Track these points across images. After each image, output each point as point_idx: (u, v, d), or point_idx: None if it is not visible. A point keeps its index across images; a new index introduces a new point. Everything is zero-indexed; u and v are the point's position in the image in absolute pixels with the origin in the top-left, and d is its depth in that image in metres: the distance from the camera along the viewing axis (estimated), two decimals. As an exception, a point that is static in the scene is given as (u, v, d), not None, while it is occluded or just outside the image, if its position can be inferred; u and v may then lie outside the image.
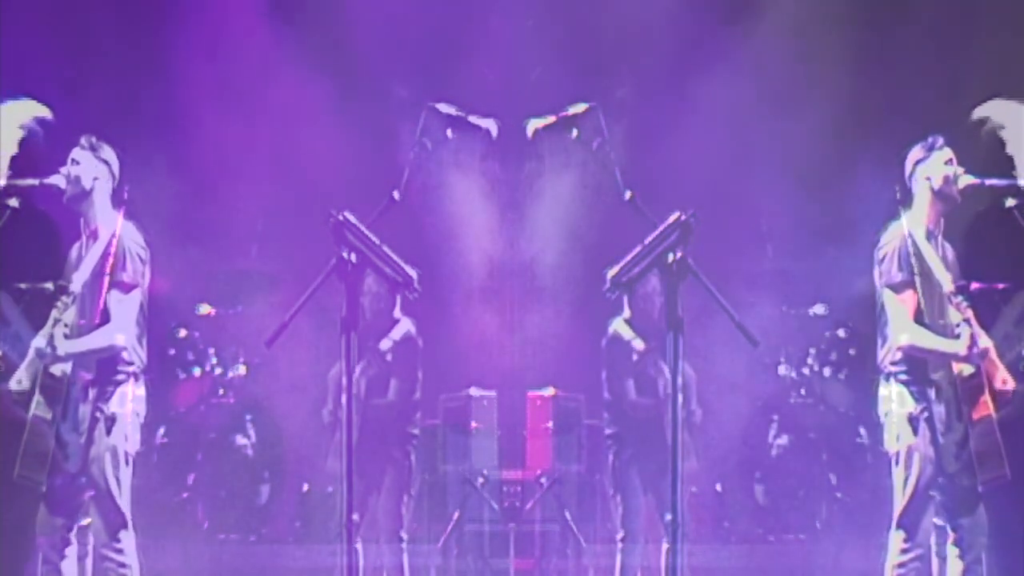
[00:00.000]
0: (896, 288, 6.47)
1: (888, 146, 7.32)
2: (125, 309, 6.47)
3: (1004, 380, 6.38)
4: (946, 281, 6.34)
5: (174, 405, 9.36)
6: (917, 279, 6.41)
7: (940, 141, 6.69)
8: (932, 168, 6.63)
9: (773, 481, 9.68)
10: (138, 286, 6.51)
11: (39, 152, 6.78)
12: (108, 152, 6.71)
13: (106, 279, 6.40)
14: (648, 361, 7.94)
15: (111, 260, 6.40)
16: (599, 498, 9.08)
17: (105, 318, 6.42)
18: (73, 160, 6.61)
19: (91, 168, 6.62)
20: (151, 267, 6.64)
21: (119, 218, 6.54)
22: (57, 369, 6.32)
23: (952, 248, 6.69)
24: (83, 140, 6.69)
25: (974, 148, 6.74)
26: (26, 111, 6.72)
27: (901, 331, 6.42)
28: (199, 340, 9.58)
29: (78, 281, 6.37)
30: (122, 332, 6.44)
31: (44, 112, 6.74)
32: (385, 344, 8.01)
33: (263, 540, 9.50)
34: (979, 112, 6.76)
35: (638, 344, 8.00)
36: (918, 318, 6.41)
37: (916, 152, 6.73)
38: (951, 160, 6.63)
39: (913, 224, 6.52)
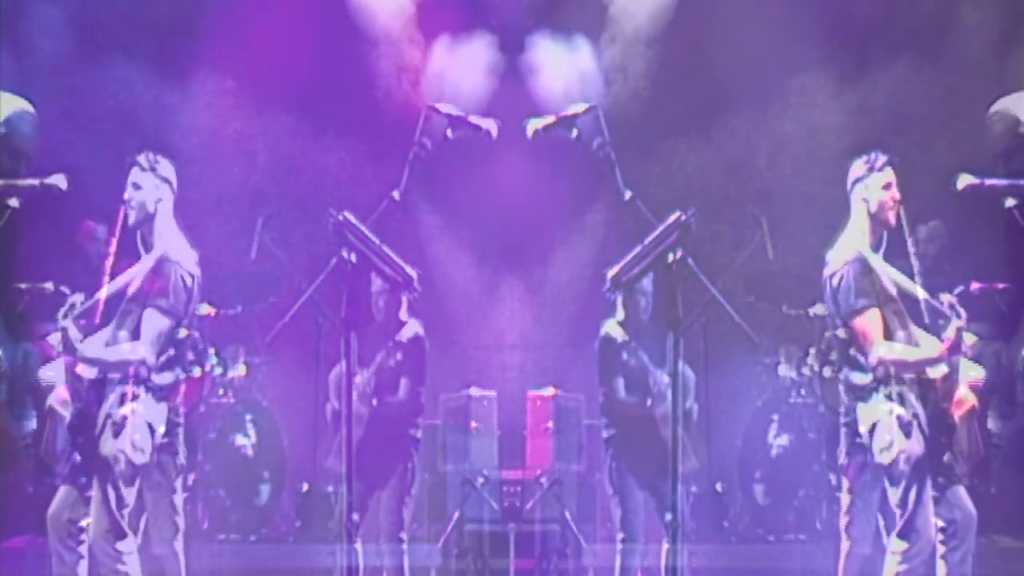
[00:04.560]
0: (860, 312, 6.39)
1: (889, 144, 7.31)
2: (155, 328, 6.46)
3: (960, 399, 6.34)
4: (917, 290, 6.29)
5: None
6: (877, 298, 6.35)
7: (881, 161, 6.46)
8: (870, 190, 6.44)
9: (773, 481, 9.67)
10: (173, 314, 6.48)
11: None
12: (166, 167, 6.59)
13: (137, 292, 6.39)
14: (633, 355, 7.90)
15: (156, 281, 6.38)
16: (599, 498, 9.06)
17: (106, 320, 6.44)
18: (134, 184, 6.48)
19: (153, 191, 6.51)
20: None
21: (178, 240, 6.51)
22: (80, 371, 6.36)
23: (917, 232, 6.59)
24: (142, 160, 6.54)
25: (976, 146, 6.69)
26: (9, 105, 6.71)
27: (874, 347, 6.37)
28: (199, 340, 9.56)
29: (113, 288, 6.35)
30: (149, 348, 6.43)
31: (27, 107, 6.71)
32: (400, 338, 8.03)
33: (263, 540, 9.48)
34: (997, 106, 6.64)
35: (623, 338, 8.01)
36: (887, 333, 6.37)
37: (857, 168, 6.51)
38: (890, 184, 6.41)
39: (857, 243, 6.41)
